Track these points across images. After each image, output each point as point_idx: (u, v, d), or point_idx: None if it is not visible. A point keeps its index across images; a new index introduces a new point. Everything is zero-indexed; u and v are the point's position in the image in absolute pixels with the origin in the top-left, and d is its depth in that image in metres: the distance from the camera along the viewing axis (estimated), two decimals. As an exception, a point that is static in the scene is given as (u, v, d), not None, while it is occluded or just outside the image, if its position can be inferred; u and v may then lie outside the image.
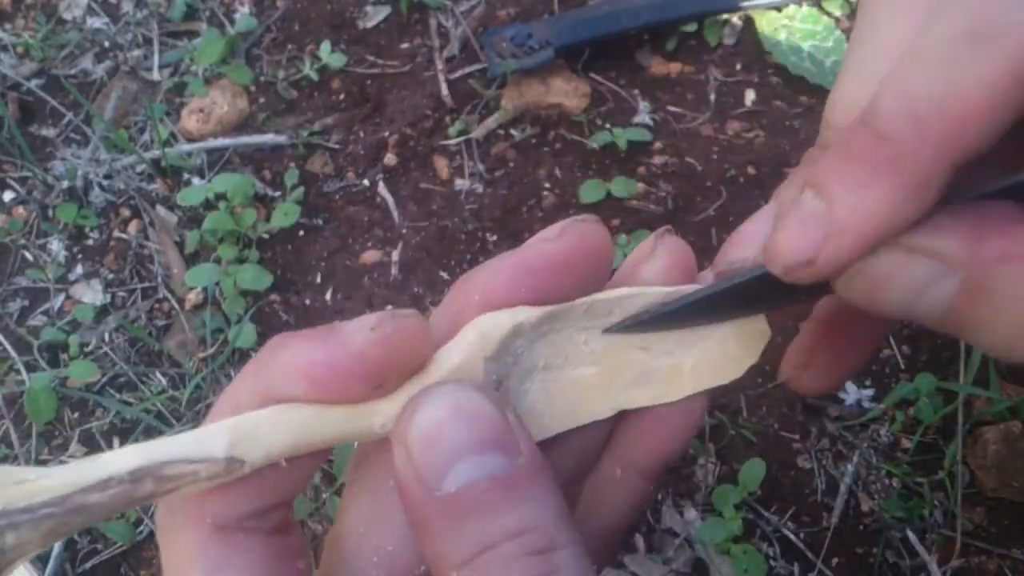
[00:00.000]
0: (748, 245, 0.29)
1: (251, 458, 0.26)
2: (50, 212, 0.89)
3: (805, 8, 0.92)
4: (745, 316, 0.32)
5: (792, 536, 0.72)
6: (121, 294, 0.86)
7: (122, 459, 0.26)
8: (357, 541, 0.29)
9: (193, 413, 0.78)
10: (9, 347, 0.83)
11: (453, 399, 0.26)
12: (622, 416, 0.32)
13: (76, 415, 0.81)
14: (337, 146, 0.91)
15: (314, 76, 0.93)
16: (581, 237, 0.28)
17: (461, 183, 0.87)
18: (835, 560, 0.71)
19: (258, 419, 0.26)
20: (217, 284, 0.82)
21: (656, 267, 0.30)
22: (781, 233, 0.26)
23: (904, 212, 0.24)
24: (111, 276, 0.87)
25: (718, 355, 0.32)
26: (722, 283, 0.30)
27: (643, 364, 0.32)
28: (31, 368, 0.82)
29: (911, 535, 0.71)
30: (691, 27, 0.92)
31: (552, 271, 0.28)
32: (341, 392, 0.26)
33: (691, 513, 0.73)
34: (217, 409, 0.28)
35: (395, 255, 0.85)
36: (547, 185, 0.86)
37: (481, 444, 0.25)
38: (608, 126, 0.88)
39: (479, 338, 0.29)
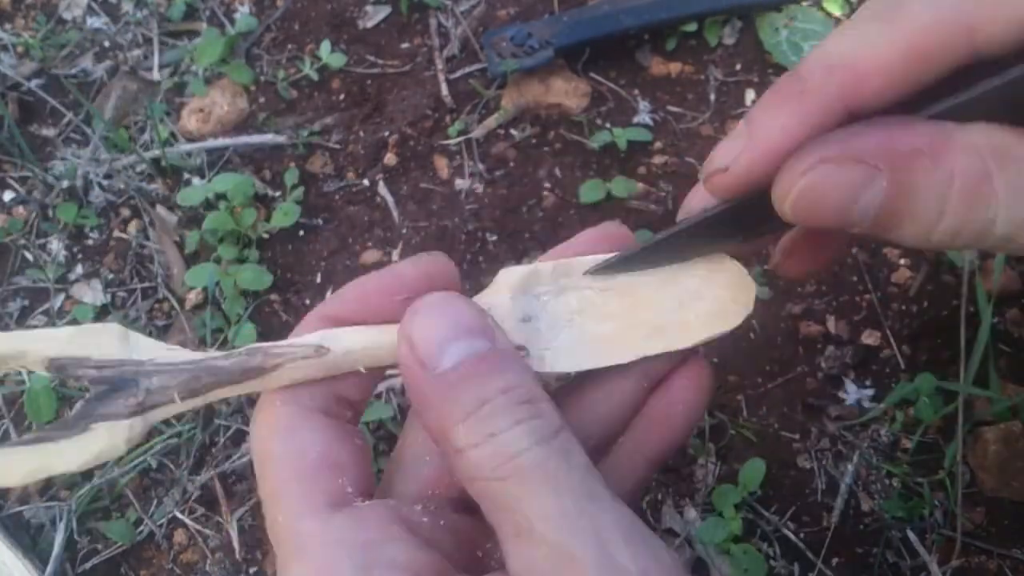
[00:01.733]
0: (724, 154, 0.34)
1: (334, 348, 0.35)
2: (50, 212, 0.89)
3: (805, 8, 0.92)
4: (711, 250, 0.39)
5: (792, 536, 0.72)
6: (121, 294, 0.86)
7: (241, 346, 0.35)
8: (415, 451, 0.37)
9: (193, 413, 0.78)
10: (9, 347, 0.82)
11: (441, 302, 0.33)
12: (639, 410, 0.40)
13: (76, 415, 0.81)
14: (337, 146, 0.91)
15: (314, 76, 0.94)
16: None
17: (461, 183, 0.87)
18: (835, 560, 0.72)
19: (340, 329, 0.35)
20: (217, 284, 0.82)
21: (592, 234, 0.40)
22: (712, 153, 0.33)
23: (802, 131, 0.30)
24: (111, 276, 0.87)
25: (718, 308, 0.38)
26: (683, 222, 0.37)
27: (654, 321, 0.38)
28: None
29: (911, 535, 0.71)
30: (691, 27, 0.92)
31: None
32: (385, 301, 0.35)
33: (691, 513, 0.73)
34: (297, 331, 0.36)
35: (395, 255, 0.85)
36: (547, 185, 0.86)
37: (466, 331, 0.32)
38: (608, 126, 0.88)
39: (504, 280, 0.37)
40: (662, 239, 0.37)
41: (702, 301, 0.38)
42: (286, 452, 0.33)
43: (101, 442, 0.32)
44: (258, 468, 0.34)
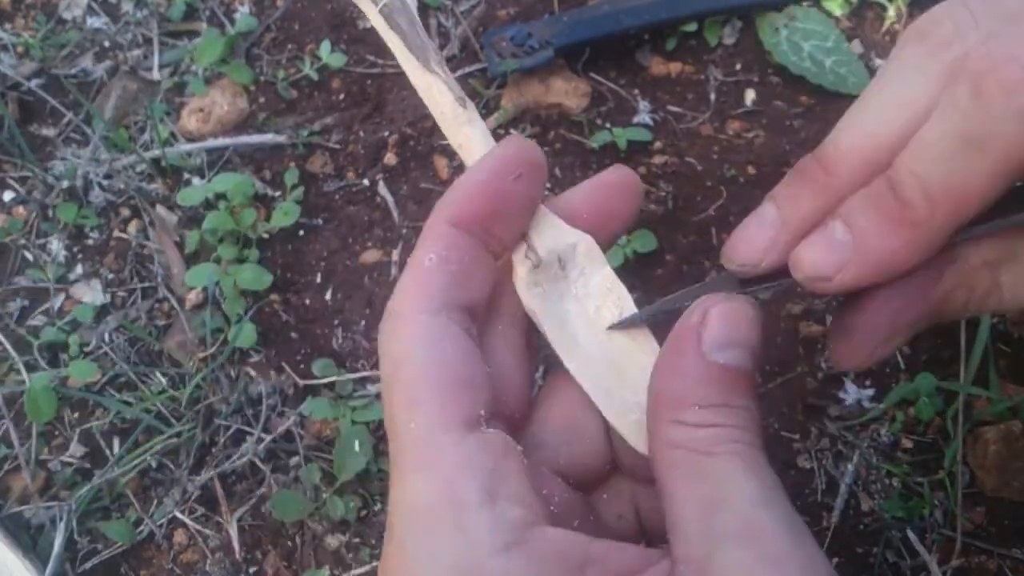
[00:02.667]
0: (754, 248, 0.36)
1: (477, 121, 0.42)
2: (50, 212, 0.89)
3: (805, 8, 0.92)
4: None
5: (792, 536, 0.72)
6: (121, 294, 0.86)
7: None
8: (556, 426, 0.38)
9: (193, 413, 0.78)
10: (9, 347, 0.83)
11: (745, 306, 0.34)
12: None
13: (76, 415, 0.81)
14: (337, 146, 0.91)
15: (314, 76, 0.94)
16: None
17: (461, 183, 0.87)
18: (835, 560, 0.71)
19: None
20: (217, 284, 0.82)
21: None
22: (809, 251, 0.35)
23: (912, 260, 0.33)
24: (111, 276, 0.87)
25: None
26: (742, 284, 0.38)
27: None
28: (31, 368, 0.82)
29: (911, 535, 0.71)
30: (691, 27, 0.92)
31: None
32: (504, 185, 0.37)
33: (691, 513, 0.73)
34: (425, 237, 0.37)
35: (395, 255, 0.85)
36: (547, 185, 0.86)
37: (751, 346, 0.34)
38: (608, 126, 0.88)
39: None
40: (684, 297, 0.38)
41: None
42: (430, 360, 0.33)
43: None
44: (393, 374, 0.33)
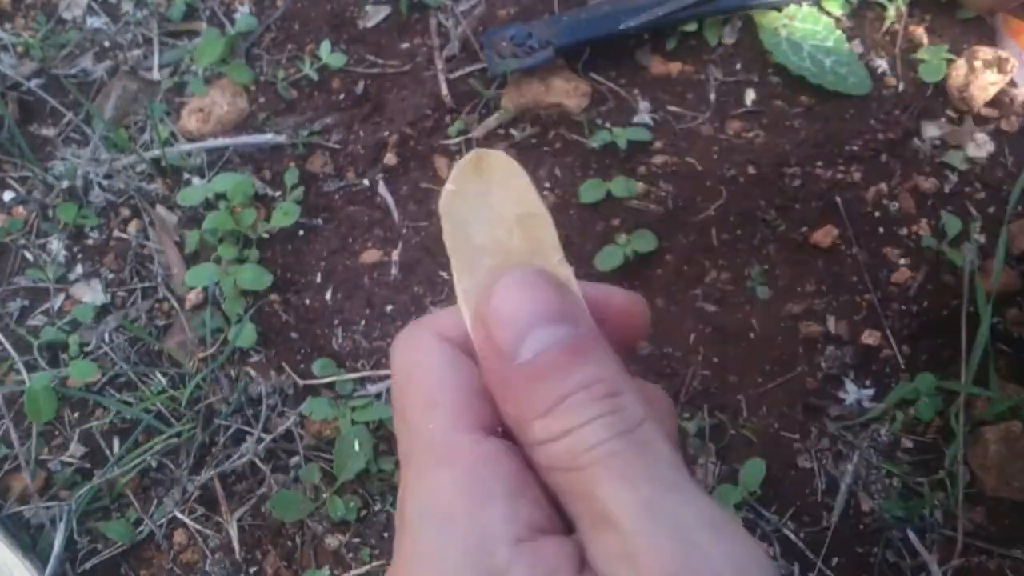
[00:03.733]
0: None
1: None
2: (50, 212, 0.89)
3: (805, 8, 0.92)
4: None
5: (792, 536, 0.72)
6: (121, 294, 0.86)
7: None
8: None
9: (193, 413, 0.78)
10: (9, 347, 0.83)
11: (522, 282, 0.30)
12: None
13: (76, 415, 0.81)
14: (337, 146, 0.91)
15: (314, 76, 0.93)
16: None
17: (461, 183, 0.87)
18: (835, 560, 0.71)
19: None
20: (217, 284, 0.82)
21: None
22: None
23: None
24: (111, 276, 0.87)
25: None
26: None
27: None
28: (31, 368, 0.82)
29: (911, 535, 0.71)
30: (691, 27, 0.92)
31: None
32: None
33: (691, 513, 0.73)
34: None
35: (395, 255, 0.85)
36: (547, 185, 0.86)
37: (548, 317, 0.30)
38: (608, 126, 0.88)
39: None
40: None
41: None
42: (447, 365, 0.32)
43: None
44: (408, 377, 0.33)
